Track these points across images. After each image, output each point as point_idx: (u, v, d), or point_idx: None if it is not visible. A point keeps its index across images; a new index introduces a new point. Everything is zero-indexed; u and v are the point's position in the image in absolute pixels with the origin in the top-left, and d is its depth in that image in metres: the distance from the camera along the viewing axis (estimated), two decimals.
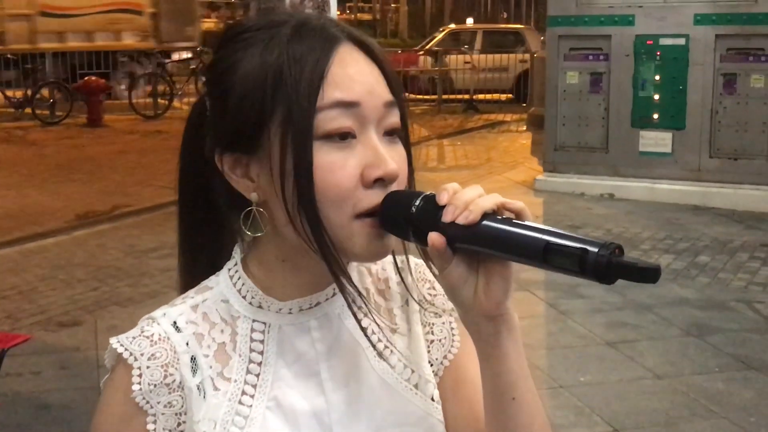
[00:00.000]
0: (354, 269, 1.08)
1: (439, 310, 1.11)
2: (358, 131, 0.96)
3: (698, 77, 8.23)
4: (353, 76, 0.96)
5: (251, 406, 1.01)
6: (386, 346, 1.08)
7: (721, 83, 8.20)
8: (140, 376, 0.98)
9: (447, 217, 0.90)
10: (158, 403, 0.99)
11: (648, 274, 0.82)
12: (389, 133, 0.98)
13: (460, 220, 0.90)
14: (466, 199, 0.91)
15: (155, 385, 0.98)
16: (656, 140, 8.36)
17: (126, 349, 0.99)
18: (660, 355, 4.80)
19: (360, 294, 1.00)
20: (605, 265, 0.83)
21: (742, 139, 8.16)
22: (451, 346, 1.12)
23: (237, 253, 1.06)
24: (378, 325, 1.06)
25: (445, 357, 1.11)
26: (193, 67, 18.08)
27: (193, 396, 1.00)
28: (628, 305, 5.54)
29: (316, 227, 0.94)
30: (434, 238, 0.91)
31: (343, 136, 0.95)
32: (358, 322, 1.02)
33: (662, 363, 4.70)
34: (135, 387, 0.98)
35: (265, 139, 0.96)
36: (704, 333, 5.09)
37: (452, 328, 1.12)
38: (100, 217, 8.25)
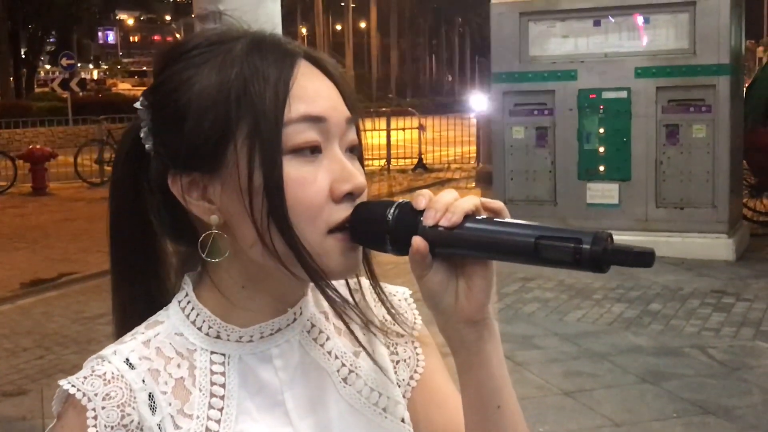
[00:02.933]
0: (309, 294, 1.04)
1: (401, 331, 1.08)
2: (323, 146, 0.93)
3: (641, 129, 8.36)
4: (317, 90, 0.94)
5: None
6: (351, 371, 1.04)
7: (664, 134, 8.34)
8: (95, 418, 0.91)
9: (428, 221, 0.88)
10: None
11: (644, 258, 0.81)
12: (350, 150, 0.96)
13: (443, 223, 0.88)
14: (445, 201, 0.89)
15: (112, 428, 0.91)
16: (603, 192, 8.45)
17: (78, 390, 0.91)
18: (618, 403, 4.78)
19: (347, 302, 0.98)
20: (601, 254, 0.82)
21: (687, 189, 8.28)
22: (416, 365, 1.09)
23: (187, 284, 1.01)
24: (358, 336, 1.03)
25: (411, 377, 1.08)
26: None
27: None
28: (584, 354, 5.53)
29: (292, 242, 0.90)
30: (418, 242, 0.89)
31: (313, 150, 0.92)
32: (351, 332, 0.99)
33: (620, 410, 4.67)
34: (90, 430, 0.90)
35: (229, 156, 0.92)
36: (660, 379, 5.08)
37: (416, 347, 1.09)
38: (45, 284, 8.09)
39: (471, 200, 0.90)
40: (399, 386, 1.07)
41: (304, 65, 0.95)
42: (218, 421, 0.96)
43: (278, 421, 0.98)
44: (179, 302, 1.00)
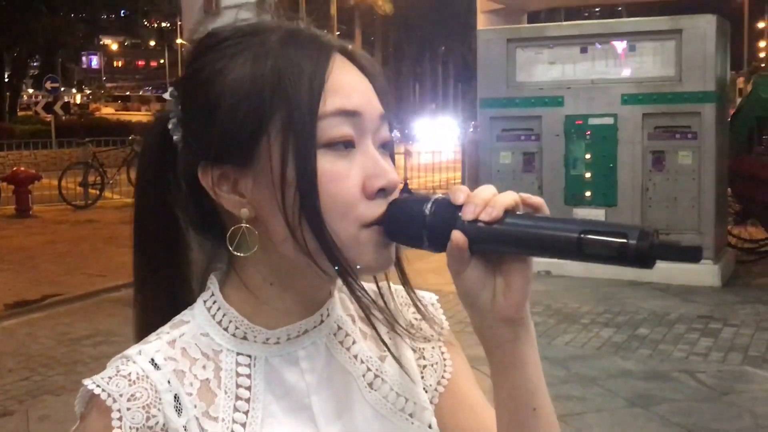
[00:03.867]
0: (335, 295, 1.03)
1: (428, 335, 1.07)
2: (357, 141, 0.92)
3: (628, 155, 8.41)
4: (352, 85, 0.93)
5: None
6: (376, 375, 1.02)
7: (650, 160, 8.39)
8: (120, 419, 0.89)
9: (468, 215, 0.87)
10: None
11: (690, 254, 0.80)
12: (382, 146, 0.95)
13: (483, 217, 0.86)
14: (485, 196, 0.87)
15: (137, 429, 0.89)
16: (589, 217, 8.43)
17: (103, 390, 0.90)
18: (608, 427, 4.77)
19: (374, 301, 0.96)
20: (647, 249, 0.80)
21: (673, 215, 8.32)
22: (444, 371, 1.07)
23: (213, 283, 0.99)
24: (384, 342, 1.01)
25: (438, 383, 1.06)
26: (125, 156, 17.94)
27: None
28: (573, 378, 5.52)
29: (323, 237, 0.89)
30: (458, 237, 0.87)
31: (346, 145, 0.91)
32: (375, 330, 0.97)
33: None
34: (116, 431, 0.89)
35: (262, 149, 0.90)
36: (650, 404, 5.08)
37: (443, 352, 1.08)
38: (30, 306, 7.99)
39: (511, 195, 0.88)
40: (426, 391, 1.05)
41: (339, 59, 0.94)
42: (244, 425, 0.94)
43: (304, 426, 0.97)
44: (204, 302, 0.99)
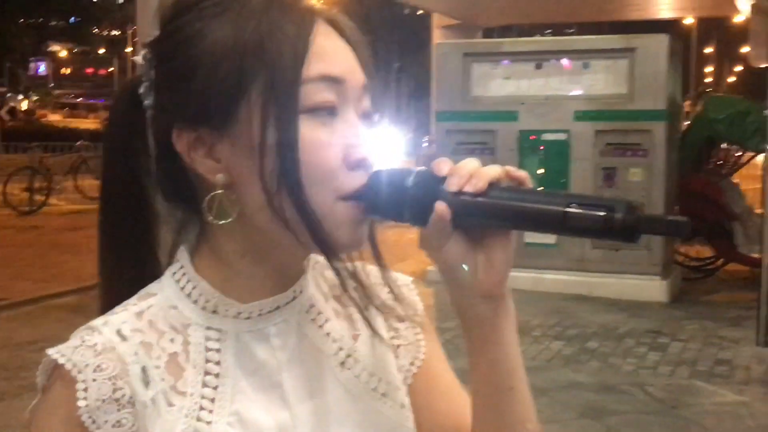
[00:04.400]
0: (308, 273, 1.00)
1: (403, 315, 1.04)
2: (339, 109, 0.89)
3: (580, 171, 8.49)
4: (336, 51, 0.91)
5: (210, 422, 0.90)
6: (349, 354, 1.00)
7: (601, 176, 8.48)
8: (86, 390, 0.85)
9: (452, 186, 0.85)
10: (105, 422, 0.85)
11: (677, 227, 0.79)
12: (364, 117, 0.92)
13: (468, 188, 0.85)
14: (470, 168, 0.86)
15: (103, 401, 0.86)
16: None
17: (68, 360, 0.86)
18: None
19: (355, 274, 0.94)
20: (634, 222, 0.80)
21: None
22: (418, 351, 1.05)
23: (182, 255, 0.96)
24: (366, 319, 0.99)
25: (412, 363, 1.04)
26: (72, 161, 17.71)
27: (147, 412, 0.88)
28: None
29: (301, 205, 0.86)
30: (442, 208, 0.85)
31: (329, 111, 0.88)
32: (359, 308, 0.95)
33: None
34: (81, 403, 0.85)
35: (242, 112, 0.87)
36: (601, 415, 5.11)
37: (417, 333, 1.05)
38: None
39: (495, 168, 0.87)
40: (400, 371, 1.03)
41: (323, 25, 0.91)
42: (212, 400, 0.91)
43: (275, 404, 0.94)
44: (173, 274, 0.95)
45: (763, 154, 9.24)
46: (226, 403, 0.91)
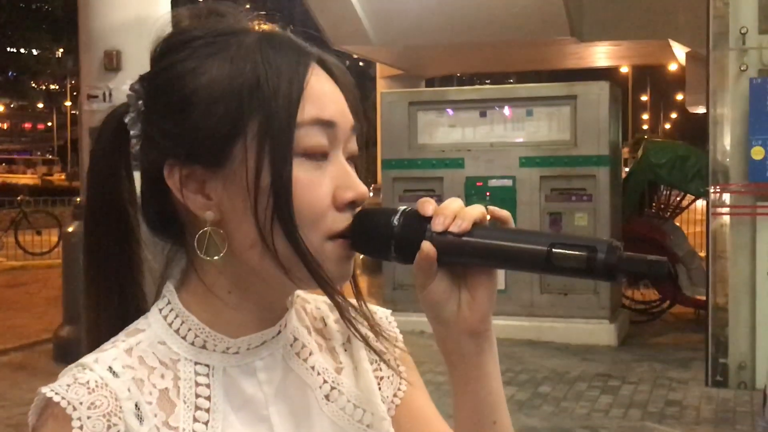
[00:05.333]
0: (290, 308, 1.01)
1: (382, 348, 1.05)
2: (329, 151, 0.91)
3: (526, 216, 8.57)
4: (327, 94, 0.92)
5: None
6: (333, 387, 1.00)
7: (547, 222, 8.58)
8: (81, 428, 0.85)
9: (437, 227, 0.87)
10: None
11: (657, 268, 0.81)
12: (350, 158, 0.94)
13: (453, 229, 0.87)
14: (454, 208, 0.88)
15: None
16: None
17: (63, 398, 0.85)
18: None
19: (354, 307, 0.95)
20: (615, 263, 0.81)
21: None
22: (400, 383, 1.06)
23: (169, 291, 0.96)
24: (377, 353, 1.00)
25: (395, 395, 1.05)
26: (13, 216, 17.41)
27: None
28: None
29: (296, 243, 0.87)
30: (428, 248, 0.87)
31: (321, 156, 0.90)
32: (364, 340, 0.96)
33: None
34: None
35: (236, 152, 0.88)
36: None
37: (398, 365, 1.06)
38: None
39: (478, 208, 0.89)
40: (383, 403, 1.04)
41: (316, 68, 0.93)
42: None
43: None
44: (160, 310, 0.95)
45: (703, 198, 9.47)
46: None
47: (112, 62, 7.62)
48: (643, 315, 9.76)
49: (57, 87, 68.53)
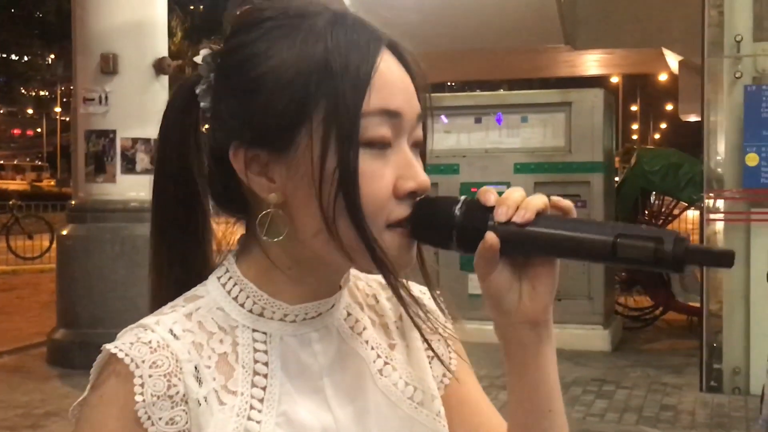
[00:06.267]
0: (345, 285, 1.02)
1: (435, 328, 1.06)
2: (393, 141, 0.91)
3: None
4: (395, 83, 0.92)
5: (260, 422, 0.91)
6: (386, 362, 1.01)
7: None
8: (142, 385, 0.86)
9: (501, 217, 0.87)
10: (160, 419, 0.87)
11: (724, 259, 0.81)
12: (414, 146, 0.94)
13: (516, 219, 0.87)
14: (516, 198, 0.88)
15: (158, 397, 0.87)
16: None
17: (126, 355, 0.86)
18: None
19: (416, 301, 0.95)
20: (683, 254, 0.82)
21: (565, 281, 8.37)
22: (450, 363, 1.07)
23: (229, 261, 0.97)
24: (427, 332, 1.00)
25: (444, 375, 1.06)
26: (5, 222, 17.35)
27: (200, 410, 0.88)
28: None
29: (363, 232, 0.88)
30: (492, 237, 0.87)
31: (384, 146, 0.90)
32: (418, 327, 0.96)
33: None
34: (138, 398, 0.86)
35: (301, 139, 0.89)
36: None
37: (448, 346, 1.08)
38: None
39: (541, 197, 0.89)
40: (434, 382, 1.05)
41: (386, 54, 0.92)
42: (261, 400, 0.92)
43: (318, 407, 0.95)
44: (219, 278, 0.97)
45: (695, 206, 9.51)
46: (274, 404, 0.93)
47: (109, 65, 7.63)
48: (636, 321, 9.79)
49: (47, 93, 68.35)
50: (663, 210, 10.24)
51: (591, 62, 14.59)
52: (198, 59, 0.96)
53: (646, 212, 10.22)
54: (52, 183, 46.43)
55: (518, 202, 0.88)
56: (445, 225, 0.90)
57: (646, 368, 7.64)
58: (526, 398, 0.95)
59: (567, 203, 0.89)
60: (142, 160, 7.77)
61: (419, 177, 0.92)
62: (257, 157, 0.91)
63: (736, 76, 6.89)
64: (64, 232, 7.96)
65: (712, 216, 6.95)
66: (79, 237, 7.74)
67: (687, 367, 7.51)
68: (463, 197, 0.91)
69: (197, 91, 0.95)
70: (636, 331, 9.42)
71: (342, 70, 0.88)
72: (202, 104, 0.95)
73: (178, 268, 0.99)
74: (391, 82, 0.91)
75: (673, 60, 13.26)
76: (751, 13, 6.93)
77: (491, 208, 0.88)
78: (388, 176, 0.90)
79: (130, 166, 7.75)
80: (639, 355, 8.23)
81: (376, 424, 0.97)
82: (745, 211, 6.84)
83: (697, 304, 7.86)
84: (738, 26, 6.92)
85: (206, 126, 0.95)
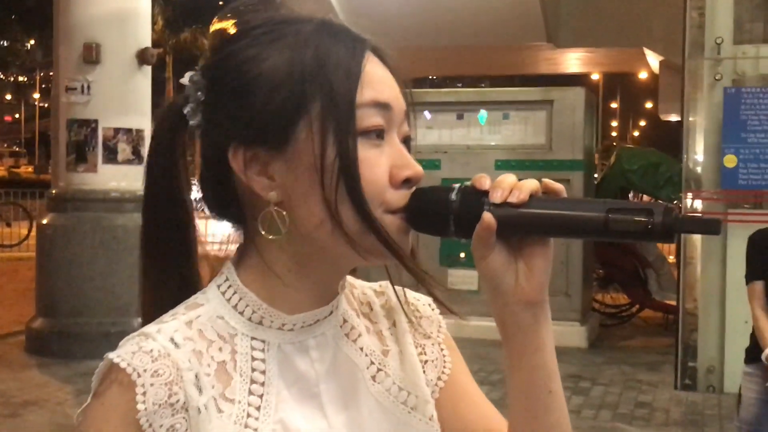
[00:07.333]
0: (341, 291, 1.04)
1: (428, 331, 1.09)
2: (386, 132, 0.95)
3: None
4: (382, 78, 0.96)
5: (257, 429, 0.94)
6: (379, 369, 1.04)
7: None
8: (144, 394, 0.88)
9: (496, 198, 0.90)
10: (161, 426, 0.89)
11: (711, 226, 0.85)
12: (403, 140, 0.98)
13: (511, 200, 0.90)
14: (510, 181, 0.91)
15: (159, 405, 0.89)
16: (464, 278, 8.64)
17: (128, 364, 0.89)
18: None
19: (431, 276, 0.98)
20: (672, 223, 0.85)
21: None
22: (444, 366, 1.09)
23: (228, 269, 1.00)
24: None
25: (439, 378, 1.09)
26: None
27: (200, 417, 0.91)
28: None
29: (368, 217, 0.91)
30: (489, 218, 0.90)
31: (378, 134, 0.94)
32: (442, 302, 1.00)
33: None
34: (140, 406, 0.88)
35: (299, 134, 0.92)
36: None
37: (442, 349, 1.10)
38: None
39: (533, 181, 0.92)
40: (428, 386, 1.07)
41: (371, 55, 0.97)
42: (258, 408, 0.95)
43: (313, 413, 0.98)
44: (218, 286, 0.99)
45: (673, 205, 9.59)
46: (271, 411, 0.95)
47: (92, 55, 7.60)
48: (612, 318, 9.88)
49: (26, 79, 67.80)
50: None
51: (572, 60, 14.66)
52: (184, 81, 0.99)
53: None
54: (30, 169, 46.05)
55: (512, 185, 0.91)
56: (442, 212, 0.92)
57: (621, 365, 7.72)
58: (526, 380, 0.97)
59: (558, 185, 0.93)
60: (124, 150, 7.76)
61: (414, 166, 0.96)
62: (256, 156, 0.94)
63: (716, 78, 6.96)
64: (44, 221, 7.94)
65: (689, 216, 7.02)
66: (59, 226, 7.72)
67: (662, 364, 7.60)
68: (457, 185, 0.94)
69: (185, 111, 0.98)
70: (612, 328, 9.51)
71: (334, 67, 0.93)
72: (191, 122, 0.98)
73: (175, 285, 1.01)
74: (378, 78, 0.96)
75: (653, 59, 13.35)
76: (732, 16, 7.00)
77: (486, 192, 0.92)
78: (383, 164, 0.94)
79: (111, 156, 7.74)
80: (615, 352, 8.31)
81: (370, 430, 1.00)
82: (722, 211, 6.92)
83: (673, 303, 7.95)
84: (719, 29, 6.99)
85: (201, 138, 0.98)
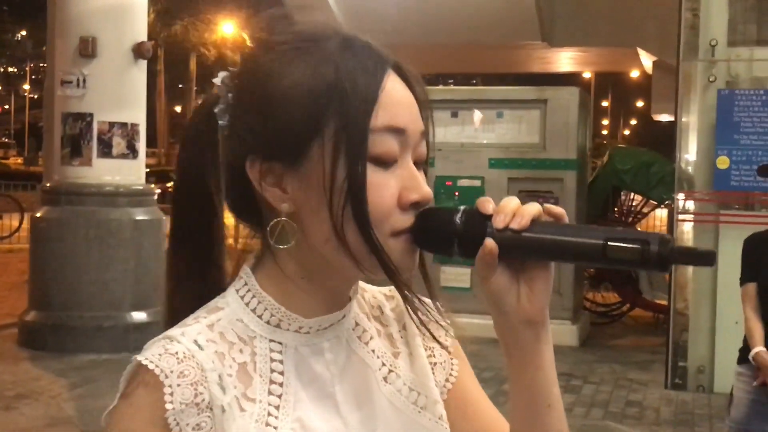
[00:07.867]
0: (353, 296, 1.08)
1: (437, 336, 1.12)
2: (398, 156, 0.98)
3: None
4: (401, 101, 0.98)
5: (277, 427, 0.97)
6: (391, 370, 1.08)
7: None
8: (171, 394, 0.92)
9: (499, 224, 0.93)
10: (187, 425, 0.92)
11: (706, 258, 0.88)
12: (418, 161, 1.00)
13: (513, 225, 0.93)
14: (512, 206, 0.95)
15: (186, 405, 0.92)
16: (456, 276, 8.68)
17: (156, 366, 0.92)
18: None
19: (422, 302, 1.02)
20: (668, 254, 0.88)
21: None
22: (451, 369, 1.13)
23: (246, 273, 1.03)
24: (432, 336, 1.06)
25: (447, 380, 1.13)
26: None
27: (225, 416, 0.94)
28: None
29: (370, 240, 0.94)
30: (491, 244, 0.93)
31: (391, 160, 0.97)
32: (430, 333, 1.03)
33: None
34: (168, 406, 0.91)
35: (313, 152, 0.95)
36: None
37: (450, 353, 1.14)
38: None
39: (535, 205, 0.96)
40: (436, 387, 1.11)
41: (392, 74, 0.99)
42: (277, 407, 0.98)
43: (330, 413, 1.01)
44: (237, 290, 1.02)
45: (663, 205, 9.66)
46: (290, 410, 0.99)
47: (88, 48, 7.61)
48: (603, 317, 9.93)
49: (16, 70, 67.49)
50: (632, 208, 10.38)
51: (566, 59, 14.72)
52: (216, 81, 1.02)
53: (616, 210, 10.36)
54: (20, 161, 45.92)
55: (514, 210, 0.94)
56: (447, 233, 0.96)
57: (612, 364, 7.78)
58: (526, 395, 1.01)
59: (559, 210, 0.96)
60: (119, 144, 7.77)
61: (422, 189, 0.98)
62: (272, 169, 0.97)
63: (710, 79, 7.02)
64: (38, 215, 7.94)
65: (681, 216, 7.08)
66: (53, 219, 7.73)
67: (653, 363, 7.65)
68: (462, 207, 0.97)
69: (216, 110, 1.01)
70: (603, 327, 9.57)
71: (352, 90, 0.95)
72: (220, 122, 1.01)
73: (198, 281, 1.04)
74: (396, 100, 0.98)
75: (647, 59, 13.41)
76: (726, 18, 7.06)
77: (489, 216, 0.95)
78: (392, 188, 0.96)
79: (106, 150, 7.74)
80: (606, 351, 8.36)
81: (382, 428, 1.04)
82: (714, 212, 6.97)
83: (664, 302, 8.02)
84: (713, 31, 7.04)
85: (224, 141, 1.01)
